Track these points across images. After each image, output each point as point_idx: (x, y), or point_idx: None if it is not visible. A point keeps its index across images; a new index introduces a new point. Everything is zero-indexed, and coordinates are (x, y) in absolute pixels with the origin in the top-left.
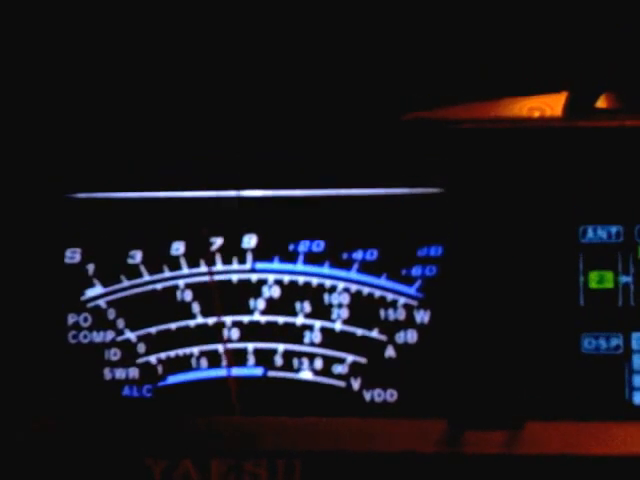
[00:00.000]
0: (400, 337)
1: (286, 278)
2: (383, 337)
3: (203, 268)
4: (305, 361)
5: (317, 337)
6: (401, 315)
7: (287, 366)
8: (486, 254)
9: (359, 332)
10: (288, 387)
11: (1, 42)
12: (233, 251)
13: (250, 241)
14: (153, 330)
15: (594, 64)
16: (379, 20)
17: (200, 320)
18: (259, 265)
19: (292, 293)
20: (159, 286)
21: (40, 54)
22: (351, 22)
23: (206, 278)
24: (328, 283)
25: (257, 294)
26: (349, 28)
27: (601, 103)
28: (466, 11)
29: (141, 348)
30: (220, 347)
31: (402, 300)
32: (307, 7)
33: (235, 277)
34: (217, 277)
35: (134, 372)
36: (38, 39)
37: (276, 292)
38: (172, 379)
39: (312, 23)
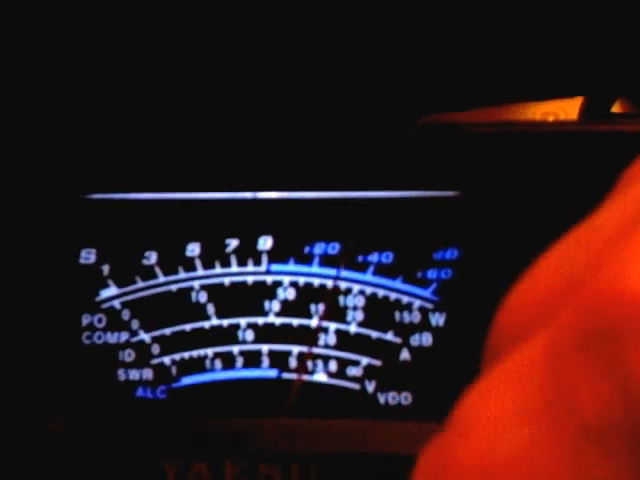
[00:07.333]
0: (415, 340)
1: (301, 280)
2: (398, 340)
3: (218, 269)
4: (320, 363)
5: (332, 339)
6: (416, 318)
7: (302, 368)
8: (502, 257)
9: (374, 335)
10: (302, 389)
11: (18, 45)
12: (248, 253)
13: (265, 243)
14: (167, 331)
15: (610, 68)
16: (395, 24)
17: (215, 322)
18: (274, 267)
19: (307, 295)
20: (174, 287)
21: (58, 57)
22: (367, 27)
23: (220, 280)
24: (343, 285)
25: (272, 296)
26: (365, 33)
27: (616, 108)
28: (481, 16)
29: (155, 349)
30: (239, 348)
31: (417, 303)
32: (325, 14)
33: (250, 279)
34: (232, 278)
35: (148, 373)
36: (55, 41)
37: (291, 294)
38: (186, 380)
39: (329, 28)
